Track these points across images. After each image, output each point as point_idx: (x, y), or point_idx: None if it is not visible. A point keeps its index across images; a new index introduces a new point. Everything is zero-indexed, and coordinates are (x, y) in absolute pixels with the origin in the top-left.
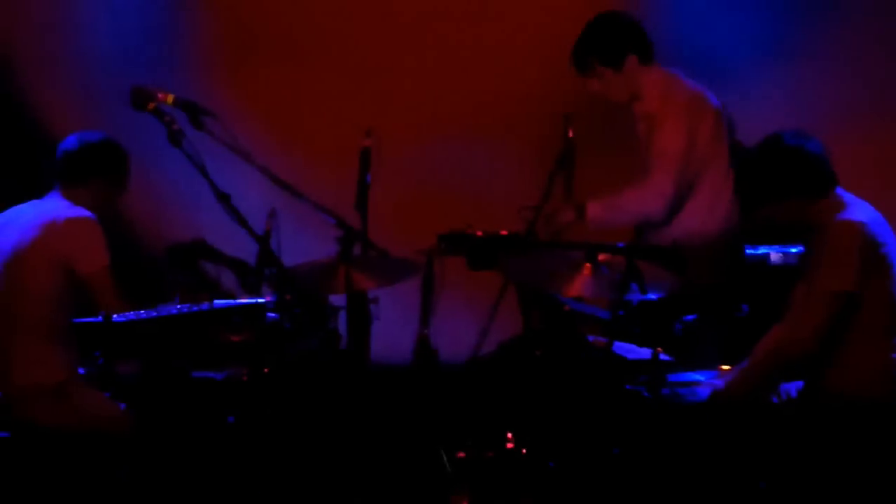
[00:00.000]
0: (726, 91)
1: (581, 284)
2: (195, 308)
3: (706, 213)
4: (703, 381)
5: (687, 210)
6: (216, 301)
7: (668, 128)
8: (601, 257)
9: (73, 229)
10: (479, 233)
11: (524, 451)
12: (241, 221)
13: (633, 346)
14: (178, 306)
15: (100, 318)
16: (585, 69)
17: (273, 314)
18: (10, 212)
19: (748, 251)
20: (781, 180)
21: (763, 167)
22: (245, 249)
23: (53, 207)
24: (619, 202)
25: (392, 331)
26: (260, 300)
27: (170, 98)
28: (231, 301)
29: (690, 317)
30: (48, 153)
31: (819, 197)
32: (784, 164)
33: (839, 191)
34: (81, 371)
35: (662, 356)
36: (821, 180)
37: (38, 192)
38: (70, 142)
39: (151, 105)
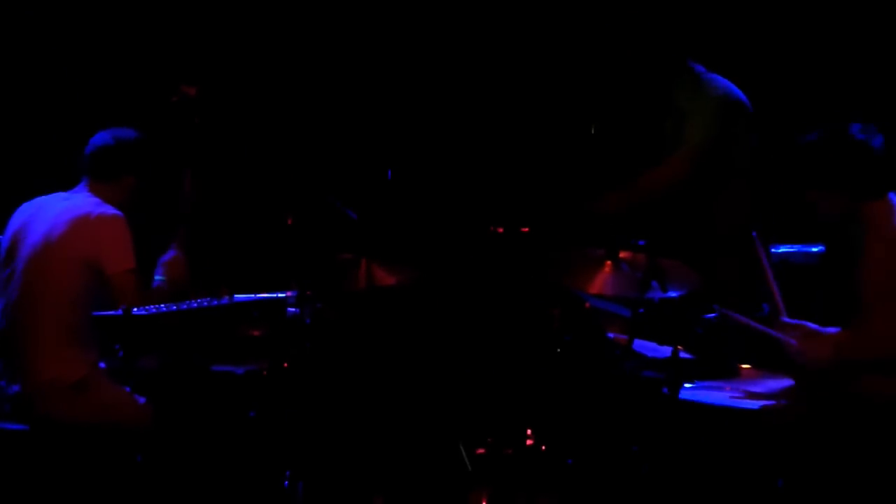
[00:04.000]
0: None
1: (602, 281)
2: (215, 302)
3: (730, 211)
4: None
5: (712, 208)
6: (236, 296)
7: (699, 121)
8: (622, 255)
9: (104, 228)
10: (501, 230)
11: (543, 447)
12: (264, 216)
13: (654, 344)
14: (199, 300)
15: (119, 311)
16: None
17: (293, 309)
18: (35, 203)
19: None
20: (838, 172)
21: (824, 154)
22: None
23: (83, 203)
24: (636, 184)
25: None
26: (280, 295)
27: (192, 91)
28: (251, 296)
29: (711, 315)
30: (74, 147)
31: (872, 198)
32: (846, 157)
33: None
34: (102, 365)
35: (682, 354)
36: (877, 183)
37: (61, 185)
38: (103, 137)
39: (174, 98)
